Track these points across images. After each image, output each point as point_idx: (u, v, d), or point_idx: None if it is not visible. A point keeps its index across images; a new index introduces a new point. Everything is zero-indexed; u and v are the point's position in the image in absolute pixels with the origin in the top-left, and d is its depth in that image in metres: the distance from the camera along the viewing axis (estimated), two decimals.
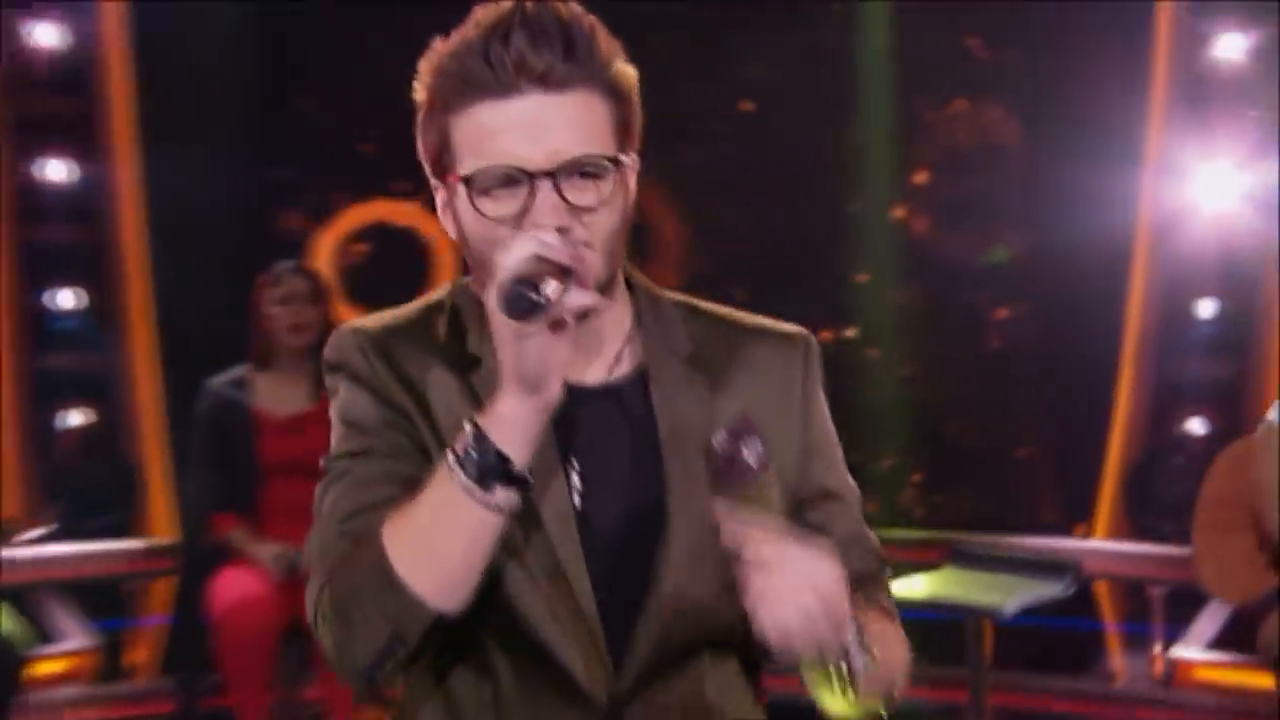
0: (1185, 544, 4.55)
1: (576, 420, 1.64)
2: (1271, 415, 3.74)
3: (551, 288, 1.48)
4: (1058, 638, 5.22)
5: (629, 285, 1.73)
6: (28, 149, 5.55)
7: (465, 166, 1.60)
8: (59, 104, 5.62)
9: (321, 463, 1.68)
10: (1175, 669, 4.96)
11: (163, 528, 5.59)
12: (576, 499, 1.64)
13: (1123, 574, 5.25)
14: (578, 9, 1.62)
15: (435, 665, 1.67)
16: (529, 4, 1.59)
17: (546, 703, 1.64)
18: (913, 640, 1.73)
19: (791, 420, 1.73)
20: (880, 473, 5.45)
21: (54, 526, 5.37)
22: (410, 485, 1.58)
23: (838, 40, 5.83)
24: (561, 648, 1.63)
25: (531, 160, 1.57)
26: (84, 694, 5.12)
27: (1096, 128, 5.36)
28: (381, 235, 6.06)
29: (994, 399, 5.87)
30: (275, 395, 4.46)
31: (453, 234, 1.67)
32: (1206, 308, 5.38)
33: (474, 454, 1.51)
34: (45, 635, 5.05)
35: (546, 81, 1.58)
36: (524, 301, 1.48)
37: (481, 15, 1.61)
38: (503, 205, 1.59)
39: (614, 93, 1.62)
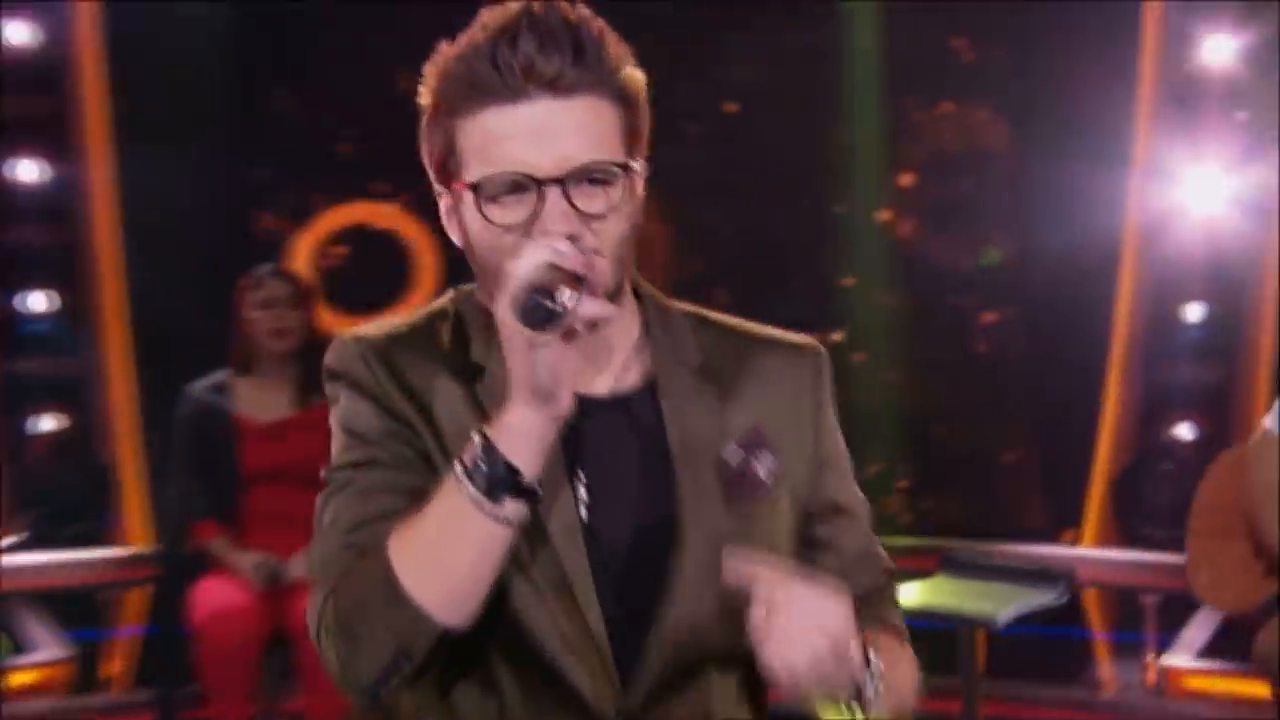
0: (1174, 550, 4.54)
1: (583, 431, 1.62)
2: (1267, 422, 3.72)
3: (568, 296, 1.47)
4: (1050, 646, 5.20)
5: (636, 294, 1.72)
6: None
7: (472, 173, 1.59)
8: (31, 104, 5.57)
9: (322, 473, 1.67)
10: (1166, 677, 4.96)
11: (137, 534, 5.55)
12: (583, 511, 1.62)
13: (1116, 582, 5.26)
14: (586, 11, 1.61)
15: (438, 680, 1.64)
16: (537, 6, 1.58)
17: (552, 719, 1.62)
18: None
19: (803, 432, 1.72)
20: (867, 478, 5.39)
21: (26, 534, 5.30)
22: (414, 496, 1.57)
23: (822, 41, 5.82)
24: (567, 663, 1.61)
25: (540, 167, 1.56)
26: (58, 706, 5.08)
27: (1084, 130, 5.35)
28: (360, 237, 6.02)
29: (981, 403, 5.87)
30: (256, 401, 4.43)
31: (458, 241, 1.66)
32: (1195, 312, 5.36)
33: (483, 465, 1.50)
34: (17, 645, 5.01)
35: (555, 87, 1.57)
36: (541, 310, 1.46)
37: (488, 18, 1.59)
38: (511, 212, 1.57)
39: (623, 98, 1.61)
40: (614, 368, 1.68)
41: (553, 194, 1.55)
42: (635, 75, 1.63)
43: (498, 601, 1.57)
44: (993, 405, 5.86)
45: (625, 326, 1.68)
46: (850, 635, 1.51)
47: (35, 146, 5.54)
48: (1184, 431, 5.39)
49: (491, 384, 1.61)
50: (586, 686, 1.61)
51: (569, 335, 1.48)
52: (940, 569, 4.03)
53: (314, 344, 4.44)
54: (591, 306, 1.49)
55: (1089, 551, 5.38)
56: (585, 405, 1.61)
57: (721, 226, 5.87)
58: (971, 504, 5.83)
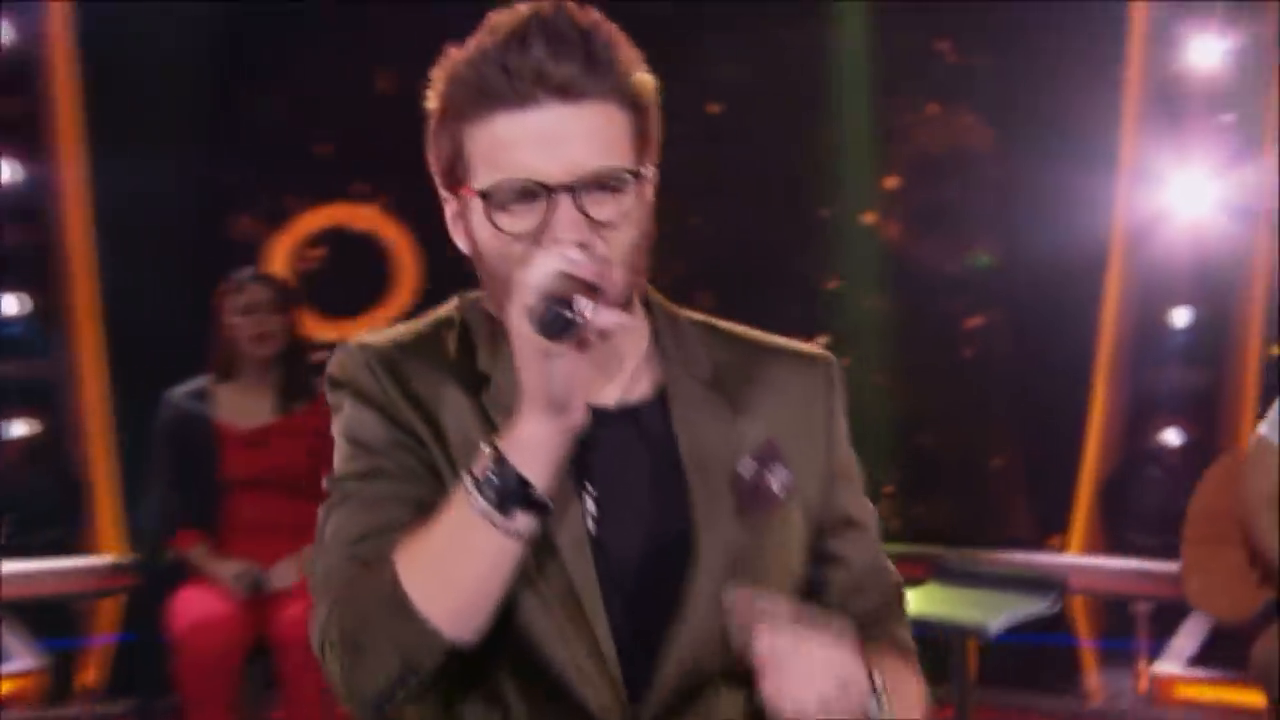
0: (1163, 556, 4.53)
1: (591, 442, 1.58)
2: (1263, 429, 3.71)
3: (585, 305, 1.44)
4: (1042, 654, 5.19)
5: (645, 303, 1.70)
6: None
7: (480, 179, 1.56)
8: (3, 103, 5.53)
9: (324, 483, 1.64)
10: (1157, 685, 4.95)
11: (110, 541, 5.50)
12: (591, 524, 1.60)
13: (1108, 590, 5.24)
14: (597, 15, 1.59)
15: (443, 693, 1.62)
16: (547, 10, 1.55)
17: None
18: None
19: (815, 444, 1.71)
20: None
21: None
22: (420, 508, 1.55)
23: (807, 42, 5.79)
24: (575, 678, 1.59)
25: (550, 174, 1.53)
26: (31, 717, 5.03)
27: (1070, 133, 5.33)
28: (339, 240, 5.96)
29: (967, 407, 5.85)
30: (238, 407, 4.37)
31: (464, 248, 1.63)
32: (1181, 316, 5.35)
33: (494, 478, 1.48)
34: None
35: (565, 93, 1.54)
36: (560, 321, 1.44)
37: (498, 21, 1.57)
38: (520, 220, 1.55)
39: (633, 103, 1.58)
40: (623, 378, 1.65)
41: (563, 201, 1.52)
42: (646, 80, 1.60)
43: (505, 615, 1.55)
44: (979, 409, 5.85)
45: (635, 336, 1.66)
46: (860, 678, 1.52)
47: (7, 146, 5.49)
48: (1171, 436, 5.38)
49: (497, 394, 1.59)
50: (594, 701, 1.59)
51: (582, 345, 1.46)
52: (932, 577, 4.06)
53: (296, 349, 4.40)
54: (608, 316, 1.46)
55: (1080, 559, 5.37)
56: (594, 416, 1.57)
57: (705, 229, 5.83)
58: (958, 509, 5.82)
